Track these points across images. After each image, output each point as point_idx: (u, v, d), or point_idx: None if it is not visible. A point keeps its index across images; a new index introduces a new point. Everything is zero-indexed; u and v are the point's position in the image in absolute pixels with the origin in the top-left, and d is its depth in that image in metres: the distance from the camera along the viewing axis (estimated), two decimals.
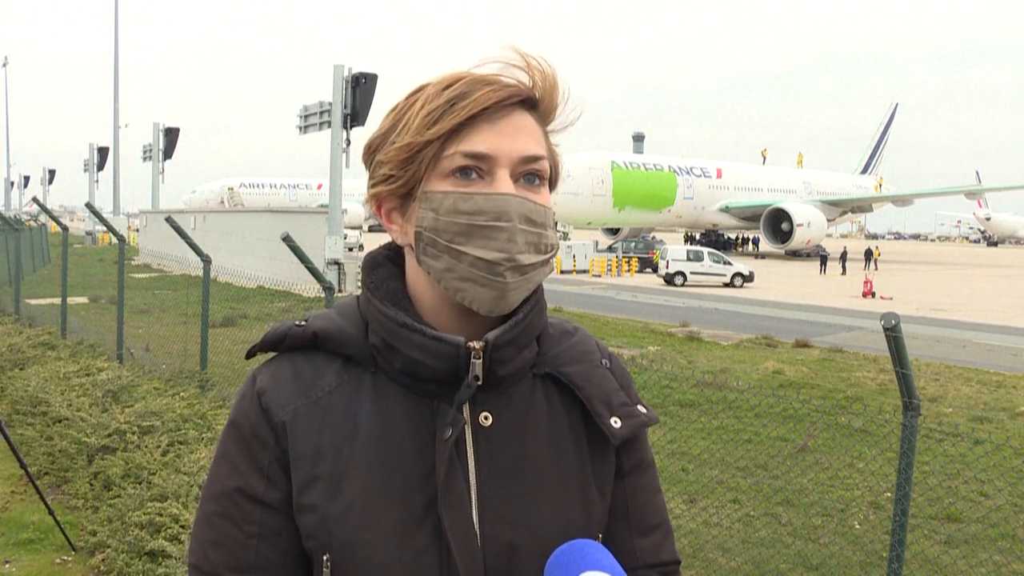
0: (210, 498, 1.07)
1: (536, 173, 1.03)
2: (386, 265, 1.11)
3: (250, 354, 1.14)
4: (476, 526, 1.02)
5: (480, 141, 1.00)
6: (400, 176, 1.03)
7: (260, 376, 1.09)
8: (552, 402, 1.12)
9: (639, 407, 1.15)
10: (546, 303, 1.13)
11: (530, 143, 1.03)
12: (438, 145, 1.00)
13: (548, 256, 1.04)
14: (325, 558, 1.01)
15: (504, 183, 1.00)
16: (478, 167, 1.01)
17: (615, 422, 1.10)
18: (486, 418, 1.06)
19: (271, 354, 1.12)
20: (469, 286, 1.00)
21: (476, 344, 1.03)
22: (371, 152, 1.08)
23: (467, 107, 0.99)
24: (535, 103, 1.05)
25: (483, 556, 1.02)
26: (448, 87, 1.01)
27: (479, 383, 1.04)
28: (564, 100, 1.07)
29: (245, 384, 1.10)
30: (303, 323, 1.10)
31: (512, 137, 1.01)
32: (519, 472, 1.06)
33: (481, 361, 1.03)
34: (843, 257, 39.71)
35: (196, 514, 1.09)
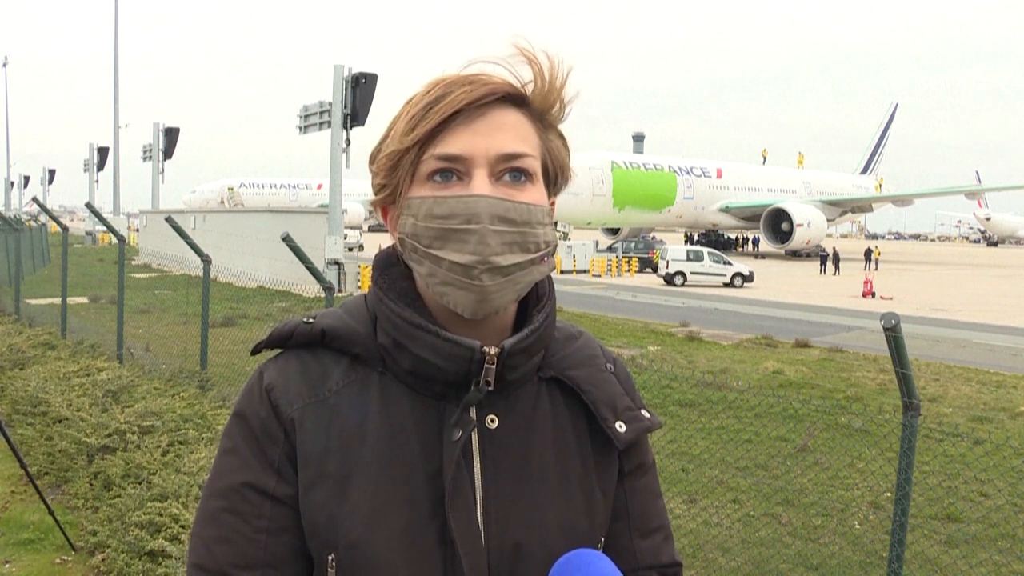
0: (215, 494, 1.05)
1: (520, 170, 1.01)
2: (398, 265, 1.10)
3: (256, 350, 1.13)
4: (481, 527, 1.02)
5: (453, 143, 0.99)
6: (388, 184, 1.04)
7: (268, 371, 1.08)
8: (557, 405, 1.12)
9: (643, 412, 1.15)
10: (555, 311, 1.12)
11: (509, 140, 1.01)
12: (416, 151, 1.00)
13: (537, 254, 1.02)
14: (330, 558, 1.01)
15: (480, 184, 0.99)
16: (456, 169, 1.00)
17: (620, 426, 1.11)
18: (492, 421, 1.06)
19: (276, 351, 1.12)
20: (450, 290, 0.99)
21: (491, 350, 1.02)
22: (372, 161, 1.09)
23: (440, 110, 0.98)
24: (522, 98, 1.03)
25: (487, 557, 1.02)
26: (429, 90, 1.01)
27: (490, 388, 1.03)
28: (561, 96, 1.05)
29: (252, 379, 1.09)
30: (311, 320, 1.09)
31: (489, 136, 1.00)
32: (524, 474, 1.06)
33: (495, 367, 1.02)
34: (835, 258, 39.43)
35: (198, 512, 1.07)
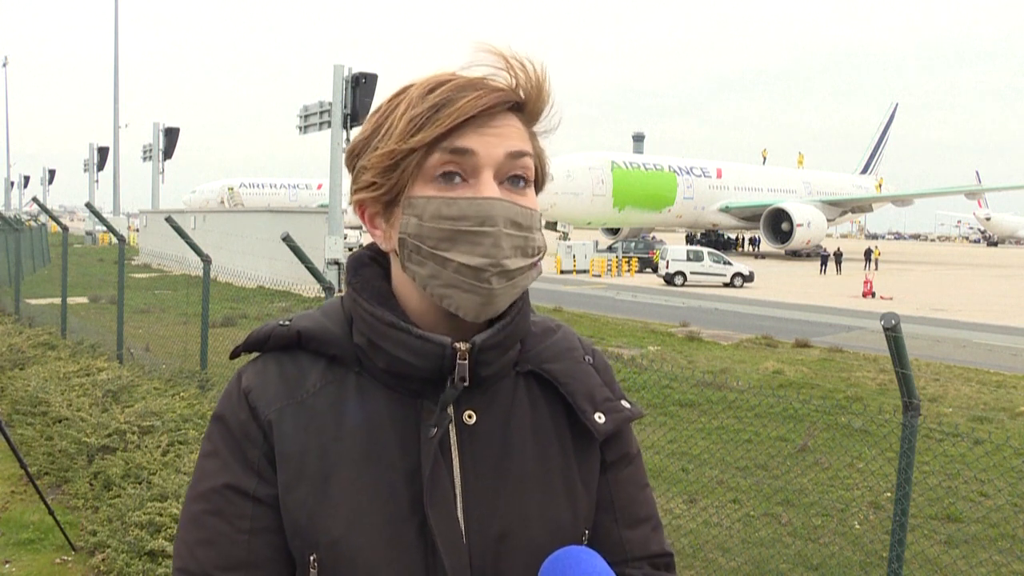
0: (197, 497, 1.06)
1: (521, 175, 1.03)
2: (371, 266, 1.11)
3: (234, 354, 1.13)
4: (461, 523, 1.03)
5: (464, 141, 0.99)
6: (383, 183, 1.02)
7: (246, 374, 1.09)
8: (535, 399, 1.12)
9: (623, 402, 1.15)
10: (530, 306, 1.12)
11: (515, 141, 1.02)
12: (422, 153, 0.99)
13: (535, 259, 1.04)
14: (312, 558, 1.01)
15: (488, 186, 0.99)
16: (462, 169, 0.99)
17: (599, 417, 1.11)
18: (470, 416, 1.06)
19: (255, 354, 1.12)
20: (454, 292, 0.99)
21: (462, 346, 1.03)
22: (354, 156, 1.07)
23: (452, 115, 0.98)
24: (520, 105, 1.04)
25: (469, 553, 1.02)
26: (432, 91, 1.00)
27: (465, 384, 1.03)
28: (550, 102, 1.06)
29: (231, 382, 1.10)
30: (287, 323, 1.09)
31: (497, 138, 1.01)
32: (504, 469, 1.06)
33: (467, 363, 1.03)
34: (838, 258, 39.53)
35: (181, 518, 1.07)
